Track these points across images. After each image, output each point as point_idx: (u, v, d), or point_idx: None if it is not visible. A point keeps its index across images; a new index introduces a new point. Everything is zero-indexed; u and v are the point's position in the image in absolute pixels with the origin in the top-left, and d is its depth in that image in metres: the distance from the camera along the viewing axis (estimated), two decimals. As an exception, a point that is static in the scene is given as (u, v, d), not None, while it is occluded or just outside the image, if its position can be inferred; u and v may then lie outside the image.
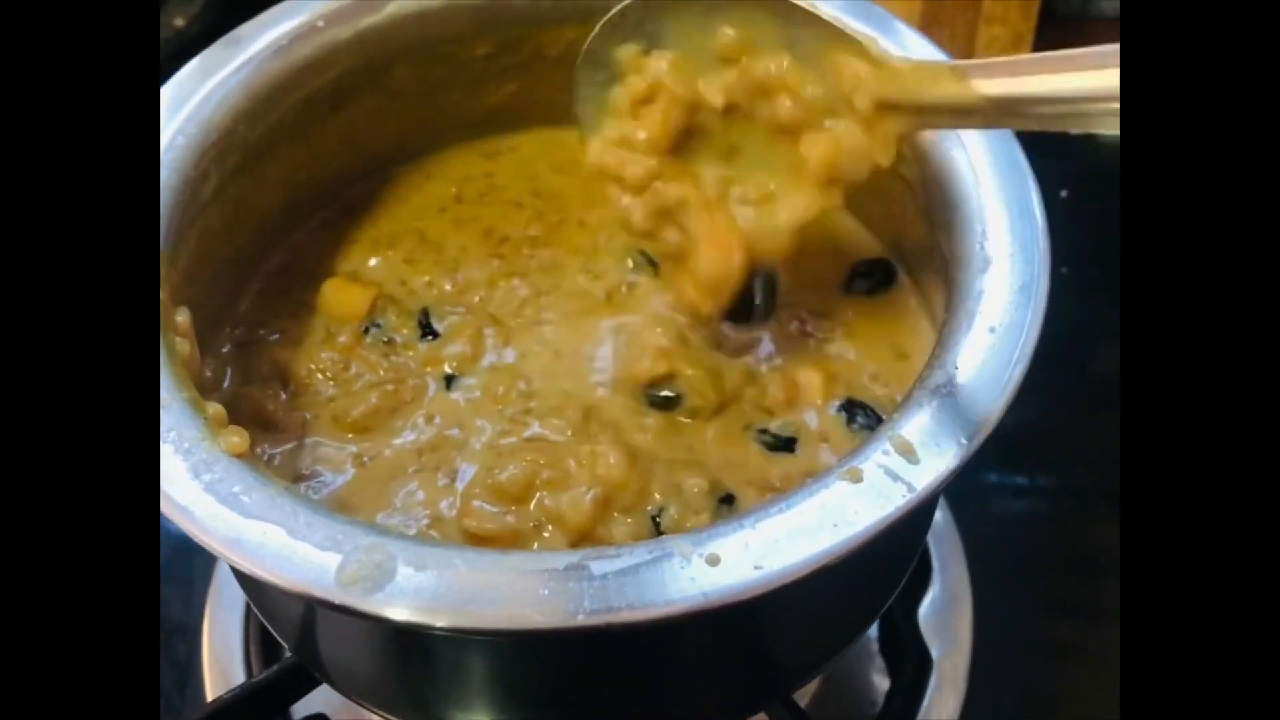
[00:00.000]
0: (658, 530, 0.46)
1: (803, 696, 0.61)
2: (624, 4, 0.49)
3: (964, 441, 0.40)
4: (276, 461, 0.49)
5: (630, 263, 0.56)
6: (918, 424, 0.40)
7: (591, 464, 0.46)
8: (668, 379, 0.50)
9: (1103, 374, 0.77)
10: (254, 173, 0.52)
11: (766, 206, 0.48)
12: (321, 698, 0.54)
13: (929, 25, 0.86)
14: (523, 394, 0.51)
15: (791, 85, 0.46)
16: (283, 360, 0.52)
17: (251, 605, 0.58)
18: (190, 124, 0.49)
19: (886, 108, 0.44)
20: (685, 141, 0.50)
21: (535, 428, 0.50)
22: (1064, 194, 0.82)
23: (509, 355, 0.53)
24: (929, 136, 0.49)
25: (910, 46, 0.52)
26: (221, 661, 0.62)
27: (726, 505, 0.47)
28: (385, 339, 0.53)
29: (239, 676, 0.61)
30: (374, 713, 0.49)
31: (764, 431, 0.50)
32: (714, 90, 0.47)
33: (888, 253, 0.56)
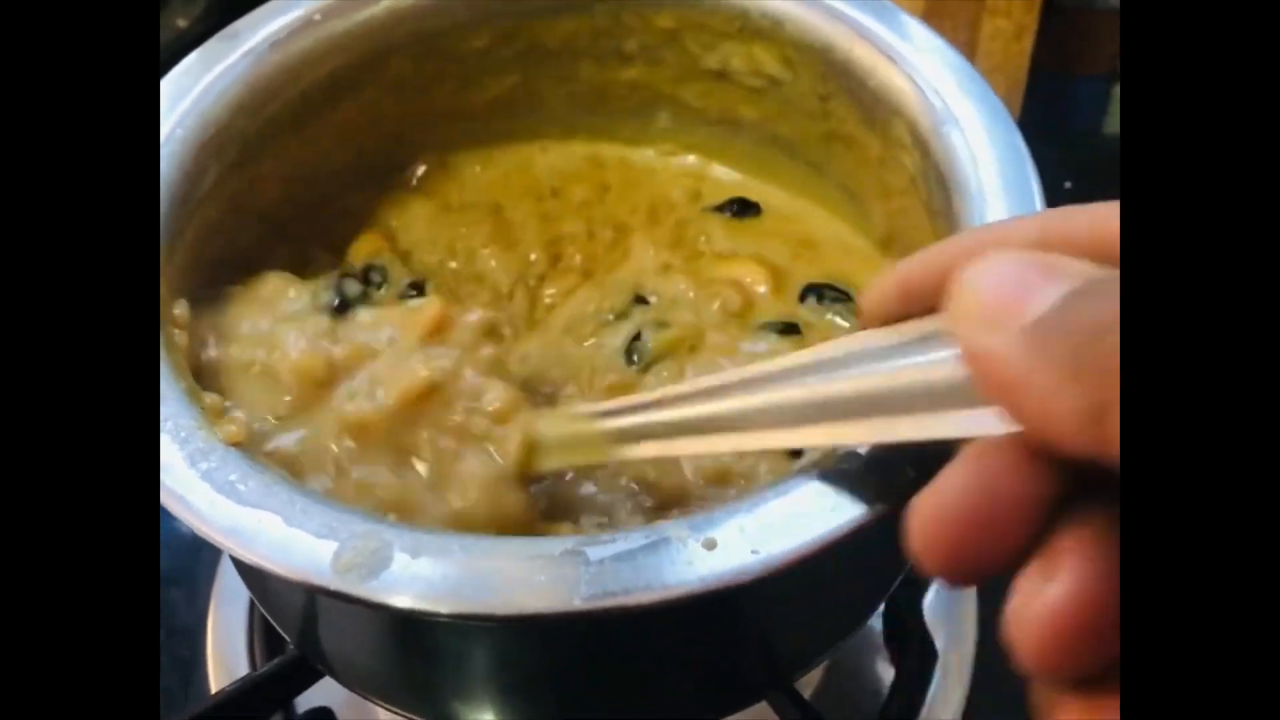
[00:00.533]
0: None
1: (806, 686, 0.60)
2: None
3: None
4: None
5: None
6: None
7: None
8: None
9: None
10: (252, 167, 0.52)
11: None
12: (324, 690, 0.54)
13: (932, 17, 0.85)
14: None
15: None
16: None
17: (254, 599, 0.58)
18: (188, 118, 0.49)
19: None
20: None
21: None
22: (1068, 185, 0.82)
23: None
24: (928, 123, 0.49)
25: (913, 36, 0.51)
26: (225, 657, 0.62)
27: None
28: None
29: (243, 671, 0.61)
30: (376, 704, 0.49)
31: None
32: None
33: (884, 244, 0.56)
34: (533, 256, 0.58)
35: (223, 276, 0.53)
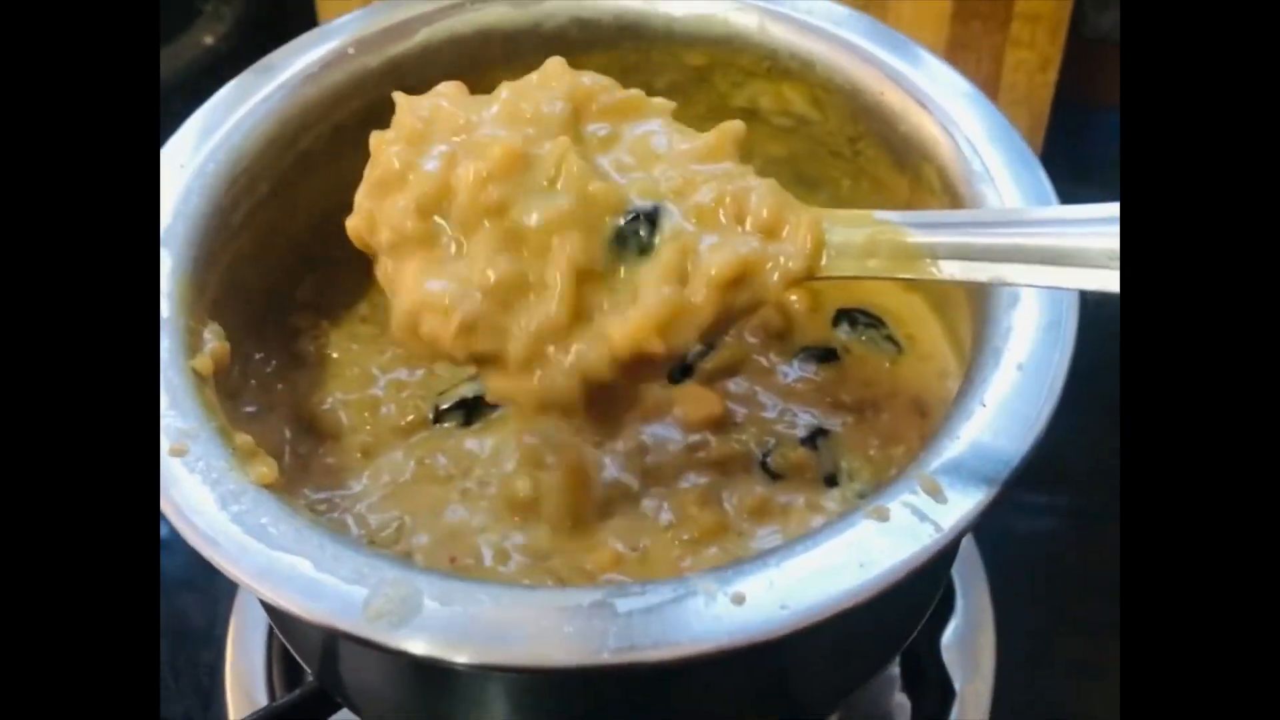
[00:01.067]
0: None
1: (822, 727, 0.60)
2: None
3: (992, 481, 0.39)
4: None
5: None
6: (945, 462, 0.40)
7: None
8: None
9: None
10: (284, 199, 0.53)
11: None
12: (344, 722, 0.54)
13: (956, 48, 0.86)
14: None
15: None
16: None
17: (274, 628, 0.58)
18: (221, 151, 0.50)
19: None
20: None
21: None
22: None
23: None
24: (958, 170, 0.49)
25: (940, 79, 0.51)
26: (244, 682, 0.63)
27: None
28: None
29: (262, 698, 0.62)
30: (397, 740, 0.49)
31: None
32: None
33: (915, 289, 0.56)
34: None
35: (254, 307, 0.53)
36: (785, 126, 0.57)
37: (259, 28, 0.89)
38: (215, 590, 0.68)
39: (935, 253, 0.40)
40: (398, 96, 0.45)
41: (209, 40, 0.89)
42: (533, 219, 0.41)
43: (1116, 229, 0.36)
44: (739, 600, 0.37)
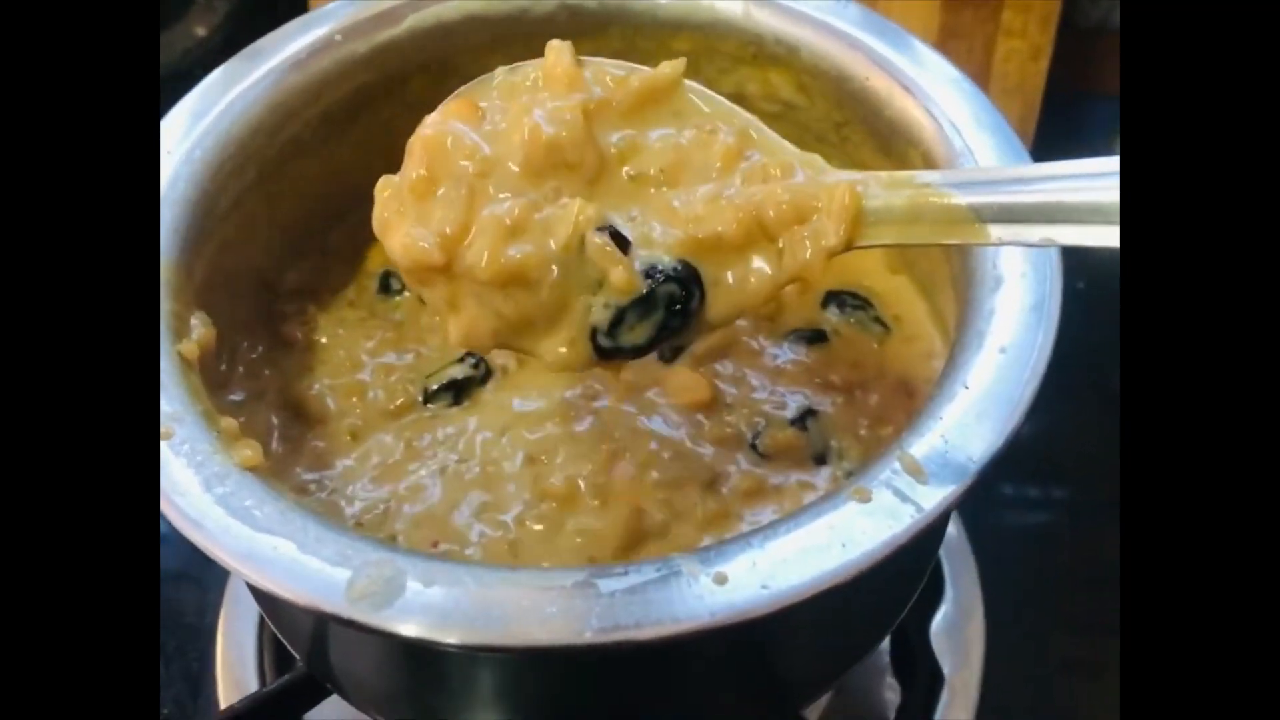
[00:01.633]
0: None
1: (813, 712, 0.61)
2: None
3: (973, 463, 0.40)
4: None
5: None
6: (927, 444, 0.40)
7: None
8: None
9: (1118, 387, 0.77)
10: (272, 184, 0.53)
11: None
12: (333, 708, 0.54)
13: (947, 38, 0.86)
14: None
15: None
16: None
17: (264, 616, 0.58)
18: (209, 137, 0.50)
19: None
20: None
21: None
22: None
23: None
24: (943, 154, 0.49)
25: (927, 65, 0.52)
26: (235, 669, 0.63)
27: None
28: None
29: (252, 684, 0.62)
30: (384, 724, 0.49)
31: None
32: None
33: (901, 270, 0.56)
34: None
35: (241, 292, 0.53)
36: (772, 112, 0.57)
37: (251, 18, 0.89)
38: (207, 579, 0.68)
39: (981, 215, 0.38)
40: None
41: (201, 31, 0.89)
42: (544, 293, 0.41)
43: None
44: (721, 580, 0.37)
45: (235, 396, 0.51)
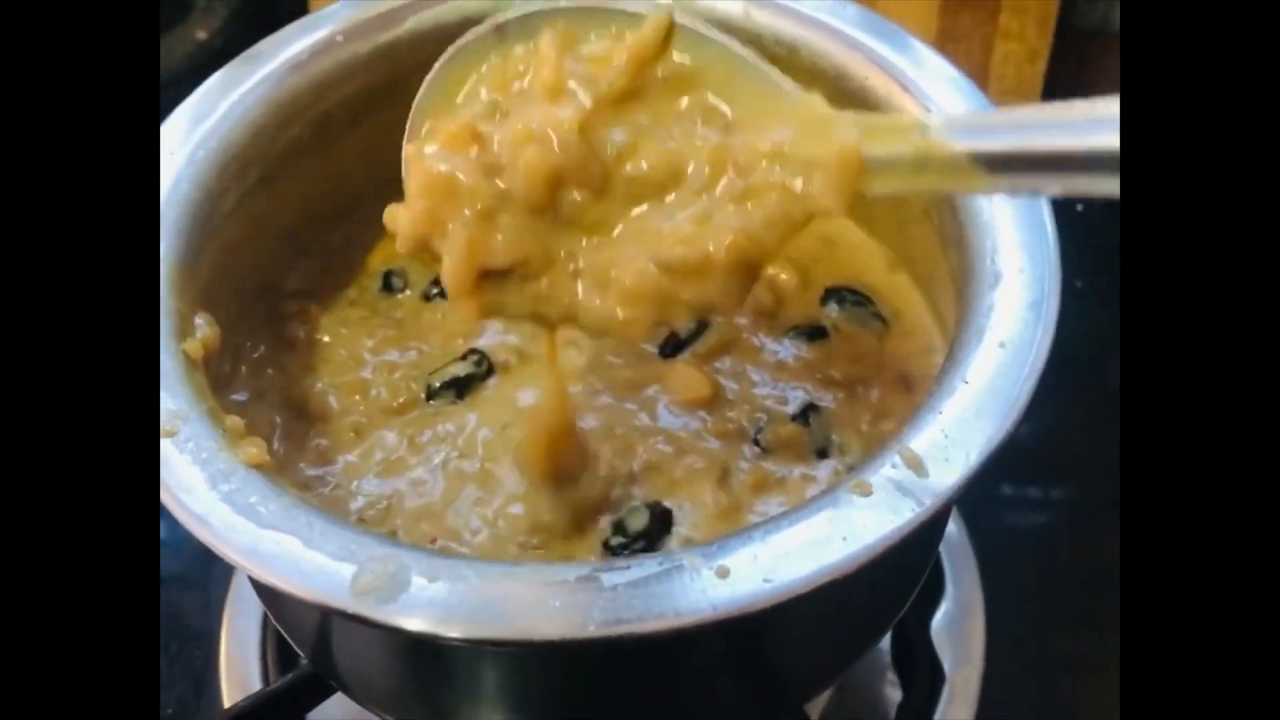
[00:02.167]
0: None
1: (814, 708, 0.61)
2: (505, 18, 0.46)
3: (973, 457, 0.40)
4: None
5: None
6: (927, 438, 0.40)
7: None
8: None
9: (1118, 385, 0.77)
10: (274, 186, 0.53)
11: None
12: (337, 705, 0.54)
13: (945, 40, 0.87)
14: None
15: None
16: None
17: (268, 613, 0.58)
18: (211, 139, 0.50)
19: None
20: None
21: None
22: (1079, 207, 0.82)
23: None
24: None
25: (926, 64, 0.52)
26: (238, 668, 0.63)
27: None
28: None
29: (255, 683, 0.62)
30: (388, 721, 0.50)
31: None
32: None
33: (901, 268, 0.56)
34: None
35: (244, 292, 0.53)
36: (772, 112, 0.57)
37: (251, 22, 0.90)
38: (210, 579, 0.68)
39: (991, 165, 0.37)
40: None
41: (202, 35, 0.90)
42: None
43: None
44: (723, 574, 0.37)
45: (239, 396, 0.51)
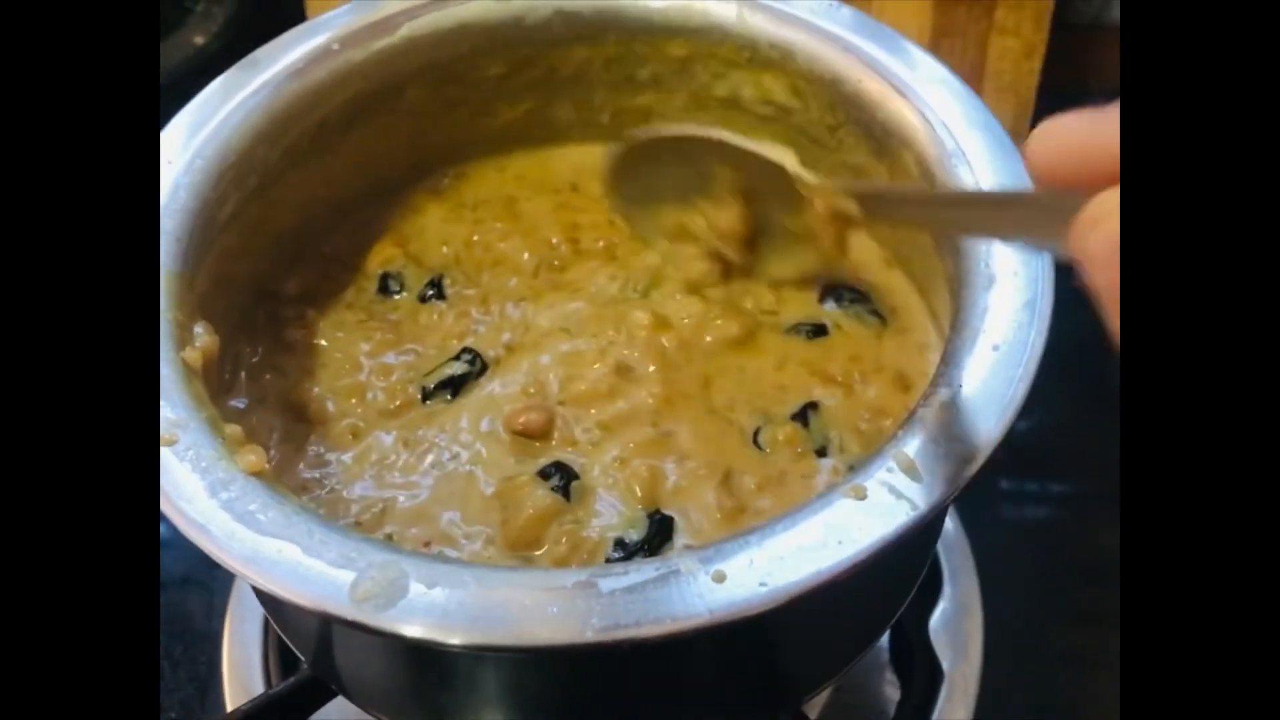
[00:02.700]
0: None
1: (812, 708, 0.61)
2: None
3: (968, 459, 0.40)
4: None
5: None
6: (921, 441, 0.41)
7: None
8: None
9: (1116, 382, 0.77)
10: (272, 192, 0.53)
11: None
12: (338, 709, 0.55)
13: (940, 36, 0.87)
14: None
15: None
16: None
17: (269, 618, 0.59)
18: (208, 147, 0.50)
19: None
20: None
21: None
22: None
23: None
24: (935, 155, 0.49)
25: (919, 66, 0.52)
26: (241, 672, 0.63)
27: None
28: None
29: (258, 687, 0.62)
30: (389, 724, 0.50)
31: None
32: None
33: (897, 266, 0.56)
34: (554, 240, 0.59)
35: (243, 299, 0.54)
36: (766, 116, 0.58)
37: (249, 27, 0.90)
38: (212, 584, 0.69)
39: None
40: None
41: (199, 40, 0.90)
42: None
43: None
44: (720, 578, 0.38)
45: (237, 403, 0.52)
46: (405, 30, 0.55)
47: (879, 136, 0.53)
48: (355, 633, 0.38)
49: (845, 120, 0.54)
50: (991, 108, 0.50)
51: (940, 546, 0.66)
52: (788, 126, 0.57)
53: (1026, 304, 0.44)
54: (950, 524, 0.67)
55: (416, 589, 0.38)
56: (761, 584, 0.37)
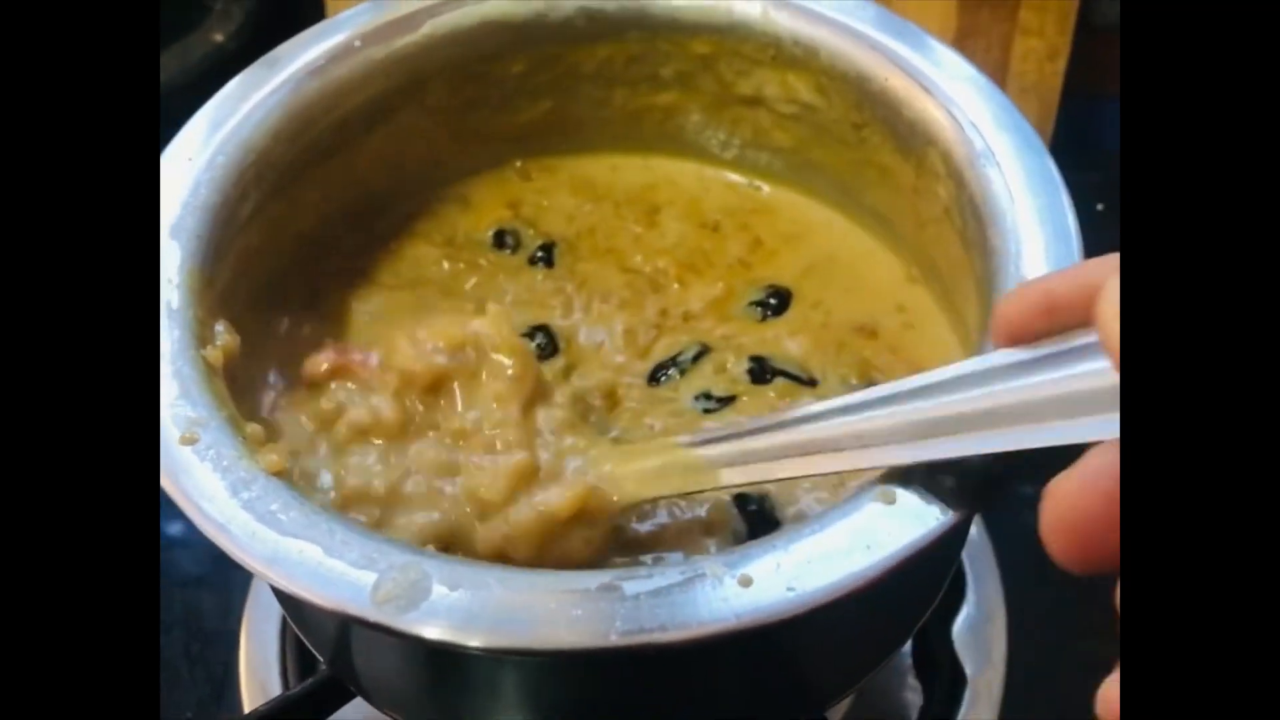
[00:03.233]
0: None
1: (834, 714, 0.61)
2: None
3: (997, 465, 0.39)
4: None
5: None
6: (951, 446, 0.40)
7: None
8: None
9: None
10: (292, 191, 0.53)
11: None
12: (356, 710, 0.54)
13: (964, 37, 0.86)
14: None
15: None
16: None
17: (287, 618, 0.58)
18: (229, 144, 0.50)
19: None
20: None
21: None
22: (1100, 207, 0.81)
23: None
24: (963, 154, 0.49)
25: (946, 64, 0.51)
26: (258, 672, 0.63)
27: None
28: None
29: (275, 687, 0.62)
30: (408, 727, 0.50)
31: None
32: None
33: (921, 272, 0.56)
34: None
35: (263, 298, 0.53)
36: (791, 114, 0.57)
37: (269, 25, 0.90)
38: (230, 584, 0.69)
39: (716, 463, 0.43)
40: None
41: (219, 38, 0.90)
42: None
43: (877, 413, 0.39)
44: (746, 583, 0.37)
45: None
46: (426, 28, 0.55)
47: (905, 135, 0.52)
48: (375, 634, 0.38)
49: (871, 119, 0.54)
50: (1015, 109, 0.50)
51: (964, 552, 0.65)
52: (812, 125, 0.57)
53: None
54: (974, 530, 0.67)
55: (439, 590, 0.37)
56: (789, 589, 0.37)
